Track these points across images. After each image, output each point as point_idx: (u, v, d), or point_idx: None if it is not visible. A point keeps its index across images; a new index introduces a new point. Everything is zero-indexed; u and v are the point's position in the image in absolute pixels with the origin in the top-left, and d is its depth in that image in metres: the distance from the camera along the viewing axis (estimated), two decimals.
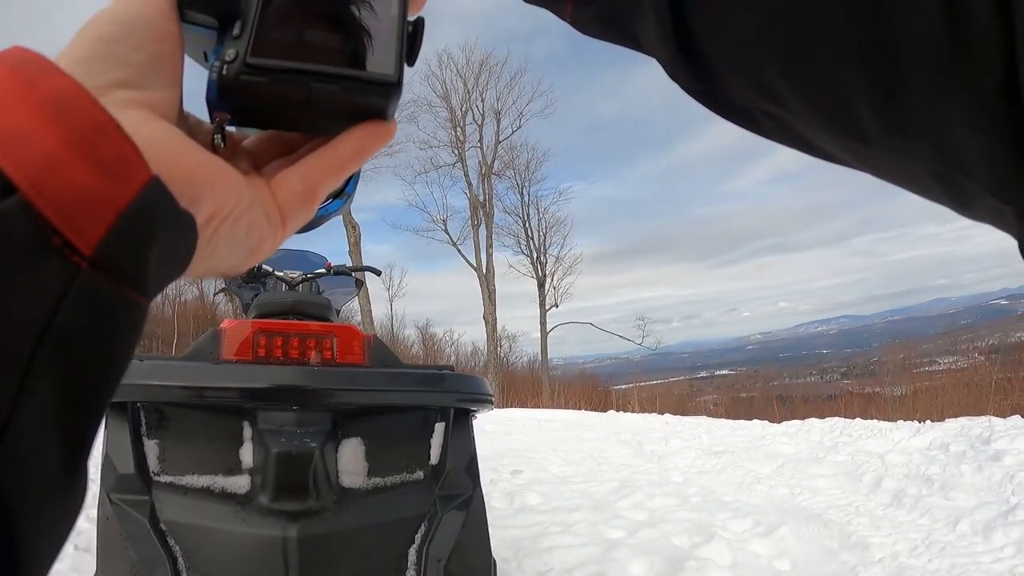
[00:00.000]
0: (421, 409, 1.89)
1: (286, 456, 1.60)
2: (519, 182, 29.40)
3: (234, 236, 0.37)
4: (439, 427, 1.89)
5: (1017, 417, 6.57)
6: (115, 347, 0.30)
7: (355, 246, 24.04)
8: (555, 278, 28.97)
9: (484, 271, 26.98)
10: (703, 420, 10.93)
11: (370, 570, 1.67)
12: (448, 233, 28.44)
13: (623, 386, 27.27)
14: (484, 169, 28.62)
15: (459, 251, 28.17)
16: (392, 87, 0.40)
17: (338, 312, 3.31)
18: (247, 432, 1.69)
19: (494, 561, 1.86)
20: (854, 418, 8.46)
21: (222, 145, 0.39)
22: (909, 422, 7.55)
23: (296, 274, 2.85)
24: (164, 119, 0.34)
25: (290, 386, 1.64)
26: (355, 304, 27.14)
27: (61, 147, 0.27)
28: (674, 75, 0.40)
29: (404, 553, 1.72)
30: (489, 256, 27.28)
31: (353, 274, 3.22)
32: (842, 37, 0.32)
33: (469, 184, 28.57)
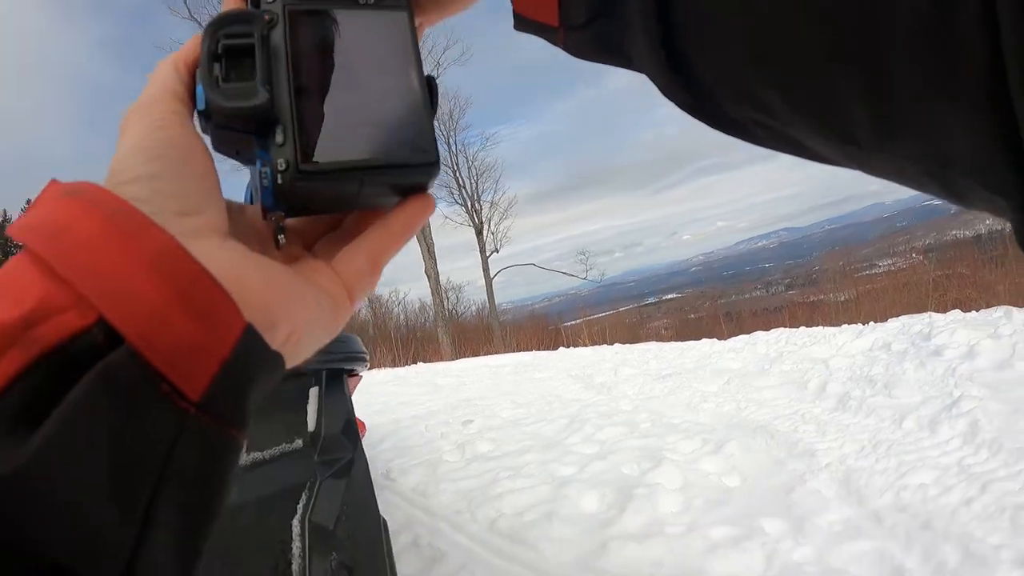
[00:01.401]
0: (292, 376, 1.84)
1: None
2: (444, 132, 28.92)
3: (310, 338, 0.39)
4: (314, 392, 1.87)
5: (956, 311, 6.66)
6: (221, 481, 0.33)
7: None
8: (492, 224, 28.82)
9: None
10: (652, 346, 10.94)
11: (256, 545, 1.63)
12: None
13: (573, 322, 27.45)
14: None
15: None
16: (433, 166, 0.42)
17: None
18: None
19: (384, 522, 1.81)
20: (799, 327, 8.52)
21: (283, 241, 0.42)
22: (853, 325, 7.63)
23: None
24: (223, 235, 0.36)
25: None
26: None
27: (164, 302, 0.30)
28: (668, 93, 0.41)
29: (288, 524, 1.67)
30: None
31: None
32: (830, 46, 0.32)
33: None
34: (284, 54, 0.39)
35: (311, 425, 1.83)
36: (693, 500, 3.61)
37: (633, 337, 19.19)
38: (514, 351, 18.38)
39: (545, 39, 0.45)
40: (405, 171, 0.42)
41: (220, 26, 0.38)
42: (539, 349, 17.30)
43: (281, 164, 0.38)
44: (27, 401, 0.27)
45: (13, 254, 0.31)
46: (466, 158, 29.35)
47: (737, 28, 0.35)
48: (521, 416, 6.58)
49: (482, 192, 29.21)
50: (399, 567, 1.84)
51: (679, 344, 10.26)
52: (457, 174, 28.75)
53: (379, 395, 9.11)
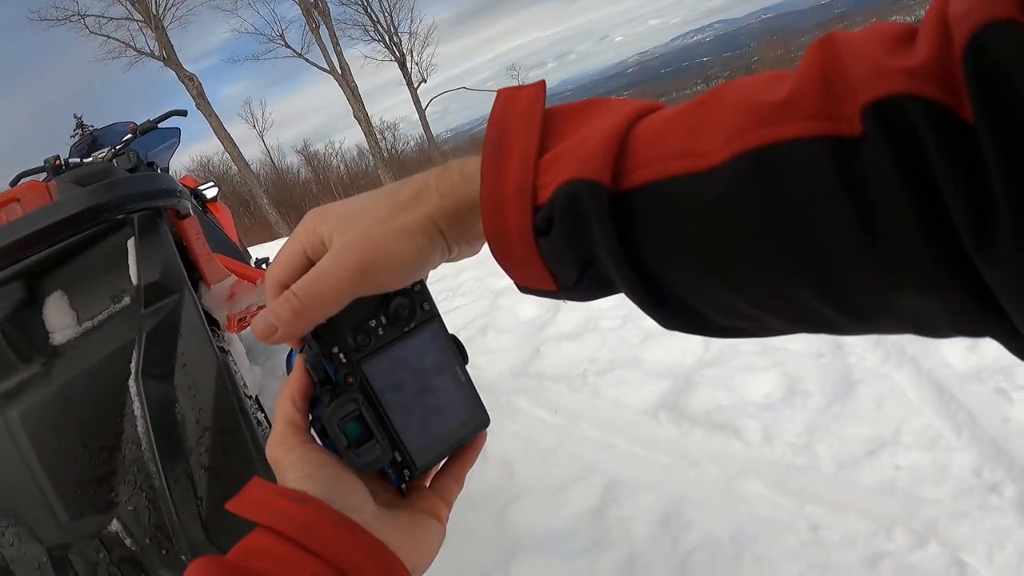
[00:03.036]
0: (110, 231, 1.73)
1: None
2: None
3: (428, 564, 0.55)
4: (132, 244, 1.72)
5: None
6: None
7: (199, 98, 22.75)
8: (415, 54, 27.72)
9: (339, 71, 25.38)
10: None
11: (96, 414, 1.56)
12: (289, 46, 26.36)
13: None
14: None
15: (307, 60, 26.24)
16: (485, 424, 0.57)
17: (165, 170, 3.39)
18: None
19: (222, 360, 1.66)
20: None
21: (406, 492, 0.56)
22: None
23: (103, 153, 2.85)
24: (376, 513, 0.51)
25: None
26: (225, 158, 26.06)
27: (381, 574, 0.47)
28: (662, 322, 0.45)
29: (124, 387, 1.57)
30: (339, 54, 25.40)
31: (159, 126, 3.15)
32: (781, 266, 0.36)
33: None
34: (375, 400, 0.51)
35: (134, 278, 1.69)
36: None
37: None
38: None
39: (547, 297, 0.50)
40: (471, 435, 0.57)
41: (337, 417, 0.50)
42: None
43: (406, 474, 0.53)
44: None
45: None
46: None
47: (696, 264, 0.39)
48: None
49: (399, 23, 27.84)
50: None
51: None
52: (369, 9, 27.14)
53: None
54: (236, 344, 2.61)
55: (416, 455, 0.53)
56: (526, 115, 0.45)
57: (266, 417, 2.31)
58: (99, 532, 1.52)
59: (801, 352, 2.66)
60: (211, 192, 3.98)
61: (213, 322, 2.39)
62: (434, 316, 0.54)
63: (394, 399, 0.52)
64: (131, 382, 1.57)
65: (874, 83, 0.31)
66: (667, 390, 2.61)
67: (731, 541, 1.87)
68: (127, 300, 1.67)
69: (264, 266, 4.39)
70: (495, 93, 0.48)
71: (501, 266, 0.47)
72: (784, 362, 2.61)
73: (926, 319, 0.35)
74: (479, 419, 0.56)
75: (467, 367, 0.56)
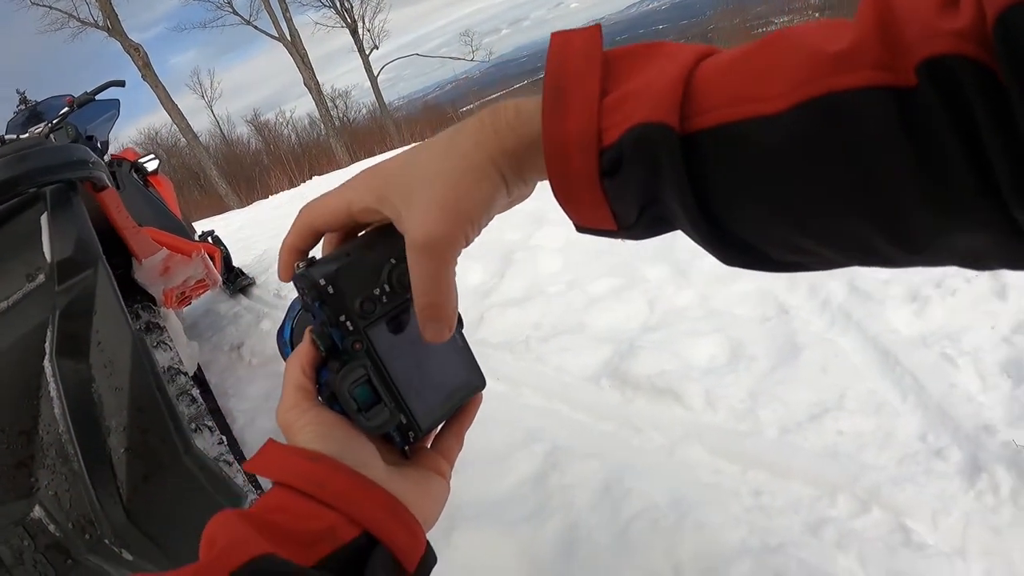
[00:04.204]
0: (23, 208, 1.68)
1: None
2: None
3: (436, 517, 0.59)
4: (45, 219, 1.66)
5: None
6: None
7: (146, 68, 21.96)
8: (366, 20, 26.91)
9: (289, 38, 24.77)
10: None
11: (12, 397, 1.52)
12: (237, 13, 25.39)
13: (469, 106, 26.76)
14: None
15: (256, 28, 25.40)
16: (482, 386, 0.61)
17: (105, 143, 3.33)
18: None
19: (137, 335, 1.62)
20: None
21: (410, 453, 0.60)
22: None
23: (39, 128, 2.78)
24: (386, 469, 0.54)
25: None
26: (174, 130, 25.54)
27: (393, 525, 0.50)
28: (724, 259, 0.47)
29: (39, 369, 1.53)
30: (288, 20, 24.70)
31: (96, 97, 2.99)
32: (845, 206, 0.38)
33: None
34: (381, 365, 0.54)
35: (48, 255, 1.63)
36: (575, 257, 3.49)
37: None
38: (409, 143, 18.04)
39: (606, 236, 0.51)
40: (469, 396, 0.61)
41: (347, 382, 0.53)
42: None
43: (411, 436, 0.57)
44: (334, 568, 0.47)
45: None
46: None
47: (762, 205, 0.41)
48: None
49: None
50: None
51: None
52: None
53: (275, 219, 8.68)
54: (172, 320, 2.54)
55: (420, 417, 0.56)
56: (584, 57, 0.46)
57: (202, 393, 2.24)
58: (23, 519, 1.48)
59: (745, 316, 2.66)
60: (152, 165, 3.89)
61: (149, 298, 2.32)
62: None
63: (398, 363, 0.55)
64: (46, 363, 1.52)
65: (927, 42, 0.33)
66: (610, 356, 2.59)
67: (672, 507, 1.86)
68: (42, 278, 1.62)
69: (209, 239, 4.29)
70: (549, 39, 0.49)
71: (563, 208, 0.48)
72: (728, 326, 2.60)
73: (976, 253, 0.38)
74: (476, 381, 0.60)
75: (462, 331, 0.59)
